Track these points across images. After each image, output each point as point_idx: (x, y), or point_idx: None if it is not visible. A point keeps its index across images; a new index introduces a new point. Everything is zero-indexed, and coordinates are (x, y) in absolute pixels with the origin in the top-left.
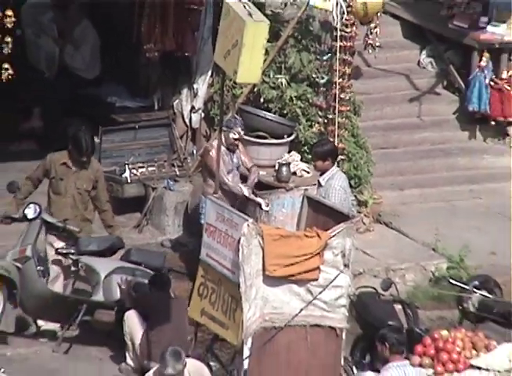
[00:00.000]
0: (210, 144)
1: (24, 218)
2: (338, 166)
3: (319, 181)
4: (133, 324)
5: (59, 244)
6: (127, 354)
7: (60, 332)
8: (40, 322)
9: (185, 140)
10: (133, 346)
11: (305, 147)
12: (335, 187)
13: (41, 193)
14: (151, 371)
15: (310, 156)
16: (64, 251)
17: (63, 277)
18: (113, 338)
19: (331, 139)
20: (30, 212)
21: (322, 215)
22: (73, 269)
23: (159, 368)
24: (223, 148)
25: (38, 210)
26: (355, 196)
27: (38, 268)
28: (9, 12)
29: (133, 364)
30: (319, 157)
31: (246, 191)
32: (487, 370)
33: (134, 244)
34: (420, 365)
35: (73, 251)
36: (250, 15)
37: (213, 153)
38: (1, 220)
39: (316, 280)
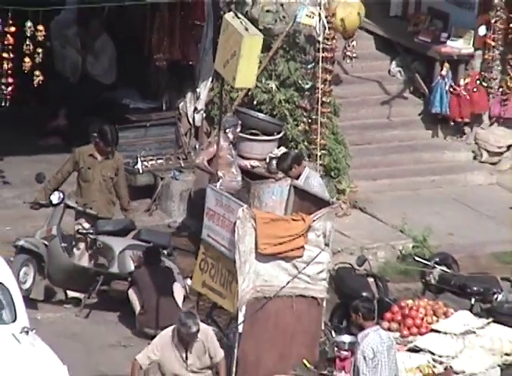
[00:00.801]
0: (214, 140)
1: (50, 203)
2: (317, 161)
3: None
4: (133, 300)
5: (87, 225)
6: (136, 320)
7: (82, 300)
8: (68, 292)
9: (189, 137)
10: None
11: (292, 143)
12: (314, 184)
13: (66, 184)
14: (166, 331)
15: (298, 150)
16: (84, 231)
17: (88, 253)
18: (127, 304)
19: (314, 137)
20: (55, 198)
21: (307, 201)
22: (92, 246)
23: (180, 329)
24: (226, 143)
25: (62, 196)
26: (335, 185)
27: (62, 244)
28: (40, 27)
29: (138, 327)
30: (288, 169)
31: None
32: (445, 333)
33: (144, 225)
34: (389, 329)
35: (92, 231)
36: (246, 29)
37: (214, 147)
38: (31, 206)
39: (301, 257)
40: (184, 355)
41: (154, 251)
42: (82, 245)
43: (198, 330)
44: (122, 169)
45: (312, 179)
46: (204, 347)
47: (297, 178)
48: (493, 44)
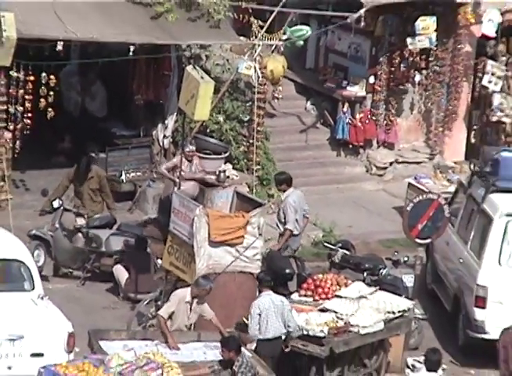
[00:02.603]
0: (177, 157)
1: (52, 207)
2: (253, 173)
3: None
4: (120, 272)
5: (81, 222)
6: (119, 289)
7: (81, 274)
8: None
9: (160, 156)
10: (120, 285)
11: (235, 160)
12: (289, 201)
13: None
14: (182, 290)
15: (239, 165)
16: (79, 226)
17: (83, 240)
18: (112, 278)
19: (251, 156)
20: (56, 204)
21: (246, 203)
22: (86, 235)
23: (198, 287)
24: (184, 160)
25: (61, 202)
26: (266, 191)
27: (63, 233)
28: (52, 77)
29: (122, 295)
30: (278, 183)
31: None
32: (345, 298)
33: (127, 220)
34: (305, 295)
35: (85, 226)
36: (202, 78)
37: (174, 161)
38: (39, 213)
39: (241, 243)
40: (189, 311)
41: (142, 240)
42: (80, 235)
43: (211, 288)
44: (104, 180)
45: (290, 198)
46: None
47: (284, 192)
48: (379, 89)
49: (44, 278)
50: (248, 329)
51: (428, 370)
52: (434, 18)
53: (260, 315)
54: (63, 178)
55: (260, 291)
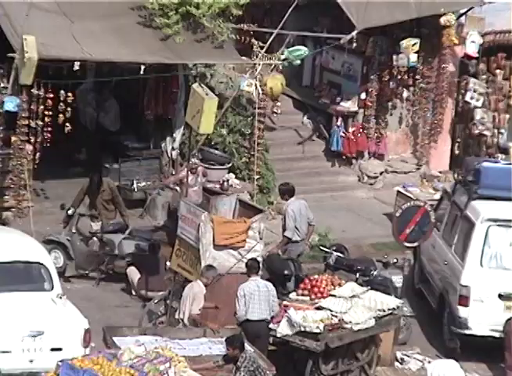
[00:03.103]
0: (184, 169)
1: (67, 215)
2: (254, 182)
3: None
4: (133, 274)
5: (96, 227)
6: (132, 289)
7: (96, 275)
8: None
9: (168, 167)
10: (133, 285)
11: (237, 171)
12: (288, 210)
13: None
14: (196, 286)
15: (241, 175)
16: (93, 232)
17: (98, 244)
18: (125, 278)
19: (252, 166)
20: (70, 211)
21: (247, 209)
22: (101, 240)
23: (208, 273)
24: (192, 175)
25: (74, 210)
26: (266, 199)
27: (80, 237)
28: (70, 94)
29: (134, 294)
30: (281, 193)
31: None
32: (339, 297)
33: (138, 226)
34: (302, 295)
35: (99, 232)
36: (206, 94)
37: (181, 174)
38: (63, 225)
39: (243, 247)
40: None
41: (156, 245)
42: (95, 239)
43: (217, 274)
44: (115, 190)
45: (290, 207)
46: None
47: (286, 201)
48: (370, 104)
49: (64, 279)
50: (236, 310)
51: None
52: (416, 40)
53: (245, 297)
54: (79, 191)
55: (249, 277)
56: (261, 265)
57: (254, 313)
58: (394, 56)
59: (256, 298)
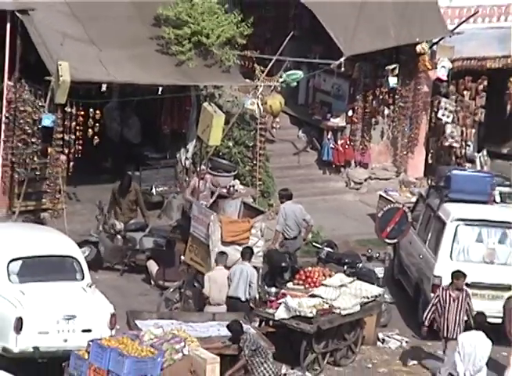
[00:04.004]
0: (194, 179)
1: (96, 217)
2: (257, 187)
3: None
4: (152, 266)
5: (120, 226)
6: (151, 279)
7: (120, 267)
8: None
9: (182, 174)
10: (152, 276)
11: (242, 177)
12: (281, 210)
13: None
14: (225, 272)
15: (245, 181)
16: (118, 230)
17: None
18: (145, 270)
19: (255, 173)
20: (97, 212)
21: (250, 211)
22: (124, 237)
23: (222, 259)
24: (201, 182)
25: (101, 209)
26: (267, 202)
27: (106, 235)
28: (98, 112)
29: (153, 283)
30: (280, 197)
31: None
32: (330, 286)
33: (156, 225)
34: (297, 284)
35: (122, 230)
36: (215, 112)
37: (192, 182)
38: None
39: (247, 243)
40: None
41: (172, 241)
42: (119, 237)
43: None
44: (139, 193)
45: (283, 209)
46: None
47: (282, 203)
48: (356, 120)
49: (93, 270)
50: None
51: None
52: (396, 65)
53: (229, 276)
54: (111, 195)
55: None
56: (258, 256)
57: (232, 291)
58: (377, 80)
59: (236, 279)
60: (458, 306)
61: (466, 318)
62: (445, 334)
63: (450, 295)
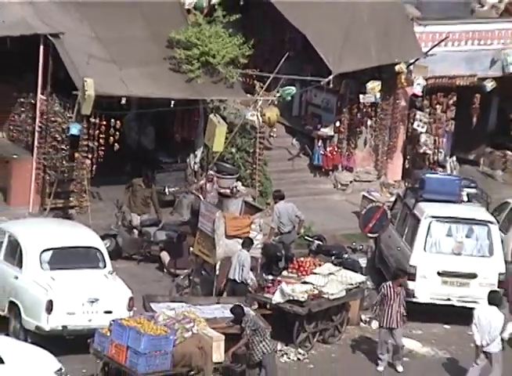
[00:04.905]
0: (203, 179)
1: (115, 214)
2: (256, 188)
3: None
4: (165, 256)
5: (136, 221)
6: (164, 268)
7: (137, 257)
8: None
9: (192, 176)
10: (165, 265)
11: (243, 179)
12: (275, 209)
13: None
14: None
15: (246, 183)
16: (134, 225)
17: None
18: (159, 259)
19: (254, 176)
20: (115, 211)
21: (251, 208)
22: (140, 231)
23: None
24: (209, 184)
25: (119, 206)
26: (265, 201)
27: (124, 229)
28: (118, 122)
29: (166, 271)
30: (274, 197)
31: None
32: (319, 274)
33: (169, 221)
34: (291, 272)
35: (139, 225)
36: (219, 122)
37: (201, 182)
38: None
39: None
40: None
41: (183, 235)
42: (135, 231)
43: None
44: (154, 192)
45: (276, 208)
46: None
47: (276, 203)
48: (343, 130)
49: (114, 259)
50: None
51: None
52: (379, 82)
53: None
54: (129, 187)
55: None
56: (257, 248)
57: (230, 274)
58: (361, 96)
59: (233, 264)
60: (399, 300)
61: (403, 310)
62: (387, 324)
63: (394, 291)
